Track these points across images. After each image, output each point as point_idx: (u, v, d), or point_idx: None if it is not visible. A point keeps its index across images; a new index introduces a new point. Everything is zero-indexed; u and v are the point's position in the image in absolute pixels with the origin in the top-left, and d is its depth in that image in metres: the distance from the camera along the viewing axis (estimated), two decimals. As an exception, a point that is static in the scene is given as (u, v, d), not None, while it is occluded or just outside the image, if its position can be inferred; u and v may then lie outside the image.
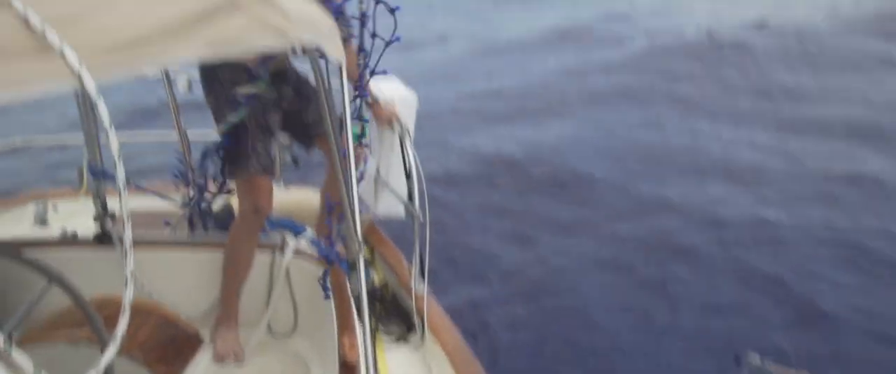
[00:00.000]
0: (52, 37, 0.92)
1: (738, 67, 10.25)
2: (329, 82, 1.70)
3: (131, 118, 7.85)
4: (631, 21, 14.55)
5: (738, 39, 11.72)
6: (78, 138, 2.89)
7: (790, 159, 6.74)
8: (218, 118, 2.45)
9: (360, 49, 2.47)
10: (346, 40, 2.31)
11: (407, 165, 2.85)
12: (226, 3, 1.16)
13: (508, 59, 12.23)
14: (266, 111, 2.46)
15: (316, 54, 1.52)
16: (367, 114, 2.69)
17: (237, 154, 2.46)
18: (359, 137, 2.69)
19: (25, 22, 0.92)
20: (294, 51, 2.31)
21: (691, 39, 12.11)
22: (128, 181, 1.96)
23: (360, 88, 2.57)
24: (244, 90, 2.38)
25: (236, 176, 2.54)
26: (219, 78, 2.40)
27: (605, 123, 8.15)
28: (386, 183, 3.03)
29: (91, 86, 0.92)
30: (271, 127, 2.51)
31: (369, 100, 2.78)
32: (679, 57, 10.95)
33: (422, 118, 3.13)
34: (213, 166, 2.67)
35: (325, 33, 1.46)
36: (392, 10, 2.27)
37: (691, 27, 13.05)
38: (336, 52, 1.53)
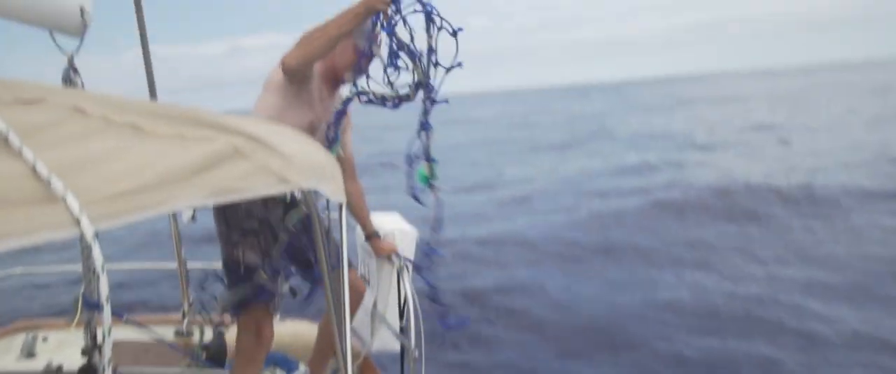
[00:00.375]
0: (57, 185, 0.94)
1: (755, 227, 10.16)
2: (329, 218, 1.76)
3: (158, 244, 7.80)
4: (645, 175, 14.82)
5: (752, 200, 11.74)
6: (77, 268, 2.82)
7: (831, 325, 6.38)
8: (228, 244, 2.43)
9: (426, 84, 2.30)
10: (421, 86, 2.25)
11: (401, 301, 2.81)
12: (230, 151, 1.22)
13: (525, 207, 12.27)
14: (272, 240, 2.45)
15: (313, 197, 1.55)
16: (434, 155, 2.49)
17: (245, 288, 2.43)
18: (427, 179, 2.46)
19: (33, 170, 0.95)
20: (294, 194, 2.36)
21: (705, 196, 12.15)
22: (119, 315, 1.84)
23: (425, 123, 2.38)
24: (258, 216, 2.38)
25: (240, 310, 2.50)
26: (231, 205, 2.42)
27: (625, 279, 7.97)
28: (383, 318, 2.93)
29: (89, 232, 0.92)
30: (275, 258, 2.48)
31: (372, 238, 2.79)
32: (693, 214, 10.92)
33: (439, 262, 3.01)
34: (214, 300, 2.64)
35: (326, 176, 1.50)
36: (454, 33, 2.18)
37: (704, 183, 13.23)
38: (337, 193, 1.57)
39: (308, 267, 2.70)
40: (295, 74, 2.33)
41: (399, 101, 2.30)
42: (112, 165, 1.08)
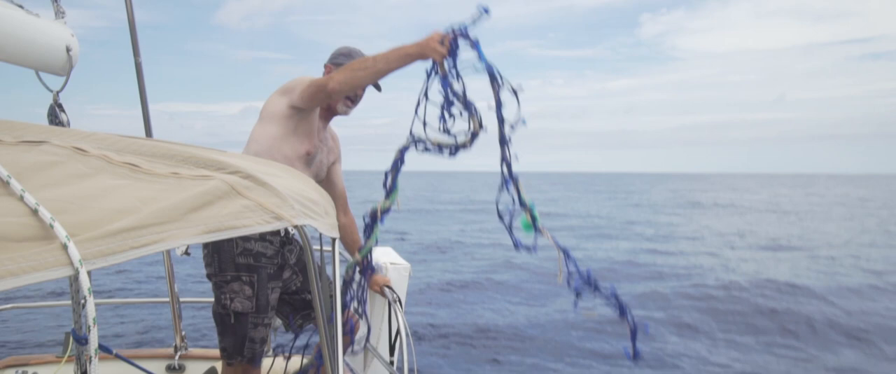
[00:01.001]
0: (48, 221, 0.94)
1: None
2: (322, 256, 1.74)
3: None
4: (661, 280, 13.45)
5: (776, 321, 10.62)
6: (66, 302, 2.79)
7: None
8: (217, 287, 2.34)
9: (501, 137, 2.20)
10: (477, 136, 2.17)
11: (391, 334, 2.79)
12: (225, 189, 1.24)
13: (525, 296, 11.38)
14: (268, 280, 2.36)
15: (306, 233, 1.54)
16: (534, 212, 2.30)
17: (234, 338, 2.34)
18: (531, 225, 2.24)
19: (26, 208, 0.95)
20: (288, 231, 2.32)
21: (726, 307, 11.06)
22: (108, 350, 1.84)
23: (507, 169, 2.23)
24: (253, 248, 2.32)
25: (229, 361, 2.40)
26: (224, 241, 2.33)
27: None
28: (375, 351, 2.91)
29: (77, 265, 0.92)
30: (270, 303, 2.39)
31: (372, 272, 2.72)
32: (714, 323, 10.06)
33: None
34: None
35: (319, 212, 1.51)
36: (515, 93, 2.10)
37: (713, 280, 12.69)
38: (330, 229, 1.57)
39: (303, 307, 2.63)
40: (331, 99, 2.33)
41: (456, 149, 2.24)
42: (108, 203, 1.09)
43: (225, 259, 2.31)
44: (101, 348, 2.86)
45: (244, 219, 1.22)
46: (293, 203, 1.37)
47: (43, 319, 6.69)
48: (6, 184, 1.01)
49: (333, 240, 1.70)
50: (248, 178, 1.32)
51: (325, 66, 2.58)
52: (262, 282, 2.32)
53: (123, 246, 1.01)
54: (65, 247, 0.92)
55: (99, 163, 1.27)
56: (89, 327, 0.95)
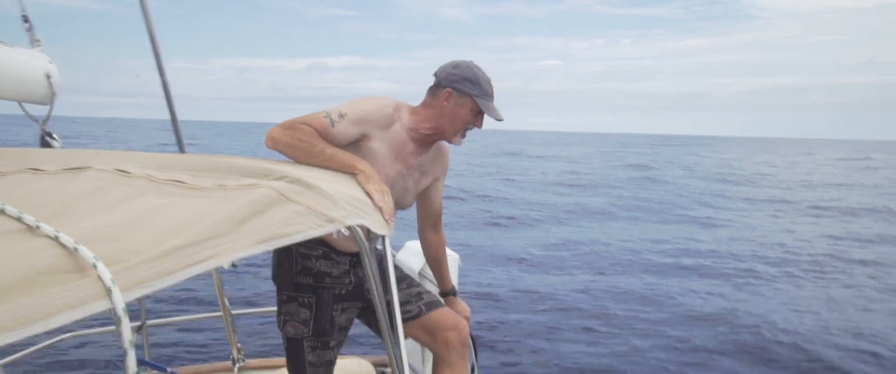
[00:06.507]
0: (85, 253, 0.87)
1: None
2: (373, 260, 1.60)
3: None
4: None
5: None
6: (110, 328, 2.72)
7: None
8: (283, 298, 2.16)
9: None
10: None
11: None
12: (274, 196, 1.21)
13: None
14: (335, 302, 2.14)
15: (361, 234, 1.44)
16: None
17: (293, 362, 2.17)
18: None
19: (57, 242, 0.89)
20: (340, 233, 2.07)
21: None
22: (162, 369, 1.65)
23: None
24: (319, 267, 2.11)
25: None
26: (291, 250, 2.12)
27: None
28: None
29: (119, 304, 0.86)
30: (336, 325, 2.16)
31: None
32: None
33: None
34: None
35: (368, 211, 1.50)
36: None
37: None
38: (381, 226, 1.54)
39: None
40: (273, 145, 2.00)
41: None
42: (156, 224, 1.05)
43: (284, 277, 2.13)
44: (158, 367, 2.77)
45: (296, 225, 1.19)
46: (344, 204, 1.34)
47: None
48: (30, 221, 0.94)
49: (384, 237, 1.61)
50: (295, 182, 1.29)
51: (444, 89, 2.10)
52: (323, 304, 2.12)
53: (177, 265, 0.96)
54: (103, 278, 0.86)
55: (143, 183, 1.25)
56: (126, 349, 0.91)
